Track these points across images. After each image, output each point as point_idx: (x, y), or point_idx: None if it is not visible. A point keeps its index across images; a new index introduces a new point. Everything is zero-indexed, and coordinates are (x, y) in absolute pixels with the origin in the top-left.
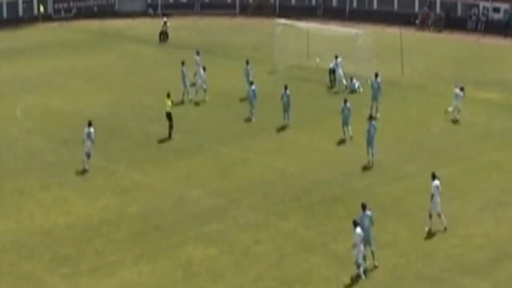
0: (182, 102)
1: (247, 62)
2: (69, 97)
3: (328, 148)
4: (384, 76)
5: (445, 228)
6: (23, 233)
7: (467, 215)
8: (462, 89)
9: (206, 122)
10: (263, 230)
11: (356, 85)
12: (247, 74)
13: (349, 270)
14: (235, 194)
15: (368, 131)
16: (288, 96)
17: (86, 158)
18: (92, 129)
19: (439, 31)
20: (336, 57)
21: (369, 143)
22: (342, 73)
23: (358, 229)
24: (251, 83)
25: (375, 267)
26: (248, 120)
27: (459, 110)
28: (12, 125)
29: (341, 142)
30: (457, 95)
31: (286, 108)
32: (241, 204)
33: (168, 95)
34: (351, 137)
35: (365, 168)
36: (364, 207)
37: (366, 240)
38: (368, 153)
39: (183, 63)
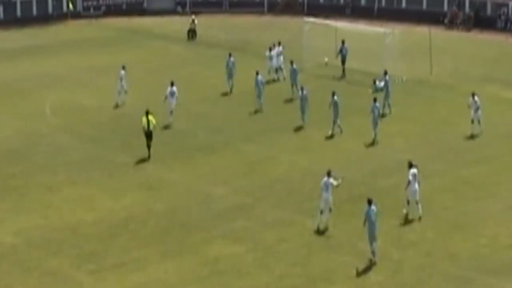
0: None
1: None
2: (97, 94)
3: (354, 147)
4: (413, 75)
5: (420, 218)
6: (50, 228)
7: (493, 215)
8: (473, 96)
9: (231, 119)
10: (289, 228)
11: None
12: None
13: (377, 269)
14: (260, 191)
15: (373, 112)
16: (306, 97)
17: (169, 115)
18: (175, 88)
19: (468, 30)
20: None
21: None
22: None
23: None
24: (257, 73)
25: (374, 264)
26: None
27: (479, 121)
28: (39, 121)
29: (368, 140)
30: (470, 105)
31: (303, 109)
32: (267, 202)
33: (147, 113)
34: (377, 142)
35: (392, 166)
36: (370, 202)
37: (371, 235)
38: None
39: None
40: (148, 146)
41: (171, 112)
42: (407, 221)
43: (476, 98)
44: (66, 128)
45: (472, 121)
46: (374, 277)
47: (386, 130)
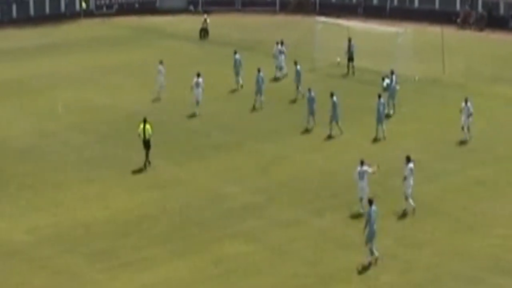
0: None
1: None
2: (109, 92)
3: (367, 146)
4: (425, 75)
5: (414, 209)
6: (63, 226)
7: (506, 215)
8: (466, 102)
9: (245, 118)
10: (301, 228)
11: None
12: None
13: (387, 269)
14: (273, 191)
15: (378, 110)
16: (313, 98)
17: (196, 105)
18: (201, 79)
19: (481, 30)
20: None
21: (379, 120)
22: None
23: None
24: (259, 71)
25: (370, 264)
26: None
27: (468, 128)
28: (52, 120)
29: (379, 140)
30: (461, 110)
31: (311, 111)
32: (279, 201)
33: (145, 121)
34: (385, 137)
35: (403, 166)
36: (371, 202)
37: (370, 236)
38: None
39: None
40: (146, 155)
41: (197, 102)
42: (403, 214)
43: (469, 104)
44: (78, 126)
45: (463, 128)
46: (385, 277)
47: (398, 130)
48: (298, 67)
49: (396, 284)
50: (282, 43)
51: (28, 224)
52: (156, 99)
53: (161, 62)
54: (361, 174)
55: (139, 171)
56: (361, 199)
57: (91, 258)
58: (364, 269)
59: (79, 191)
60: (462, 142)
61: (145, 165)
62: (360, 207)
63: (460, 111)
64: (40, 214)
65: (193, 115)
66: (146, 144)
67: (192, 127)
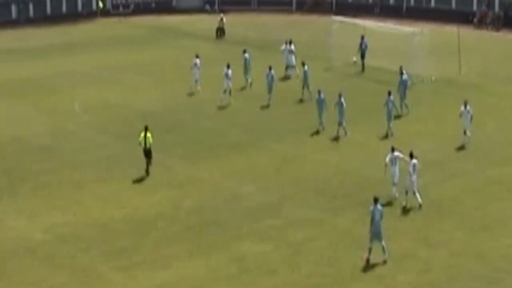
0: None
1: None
2: (126, 91)
3: (382, 145)
4: (441, 75)
5: (420, 206)
6: (80, 225)
7: None
8: (466, 105)
9: (261, 118)
10: (317, 227)
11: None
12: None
13: (404, 269)
14: (289, 190)
15: (387, 106)
16: (323, 100)
17: (225, 95)
18: (230, 71)
19: (497, 30)
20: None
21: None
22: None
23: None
24: (270, 68)
25: (385, 262)
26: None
27: (465, 131)
28: (69, 119)
29: (394, 139)
30: (461, 114)
31: (320, 113)
32: (295, 201)
33: (146, 129)
34: (392, 134)
35: (420, 167)
36: (376, 200)
37: (376, 235)
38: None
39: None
40: (147, 164)
41: (229, 92)
42: (405, 210)
43: (468, 107)
44: (95, 125)
45: (465, 132)
46: (402, 277)
47: (413, 130)
48: (306, 67)
49: (413, 284)
50: (290, 43)
51: (46, 223)
52: (190, 94)
53: (197, 56)
54: (394, 161)
55: (155, 170)
56: (394, 184)
57: (108, 257)
58: (380, 268)
59: (96, 189)
60: (477, 142)
61: (147, 173)
62: (394, 193)
63: (460, 115)
64: (58, 213)
65: (224, 107)
66: (147, 153)
67: (207, 126)
